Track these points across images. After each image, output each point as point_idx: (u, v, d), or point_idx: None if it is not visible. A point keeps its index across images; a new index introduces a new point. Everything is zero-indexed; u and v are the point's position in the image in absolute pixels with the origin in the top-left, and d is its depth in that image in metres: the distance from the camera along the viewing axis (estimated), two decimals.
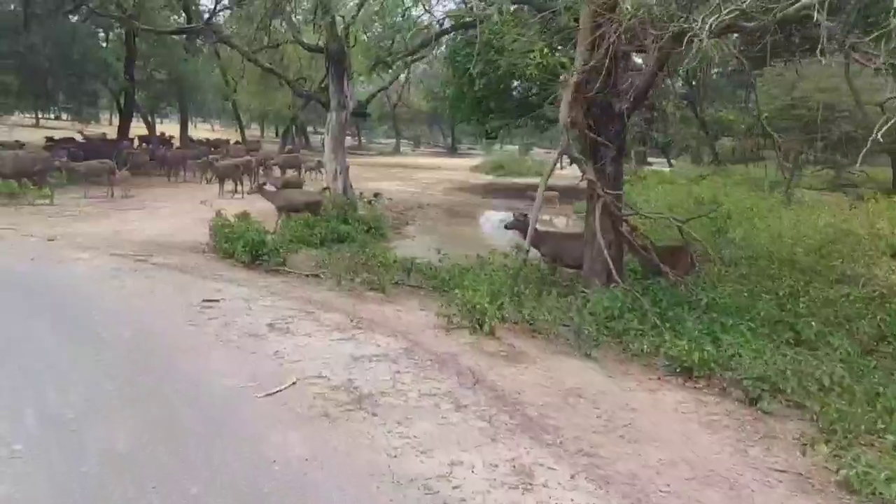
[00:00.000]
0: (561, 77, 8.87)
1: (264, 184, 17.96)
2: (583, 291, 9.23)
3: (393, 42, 35.02)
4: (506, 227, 11.71)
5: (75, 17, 22.53)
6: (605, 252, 9.00)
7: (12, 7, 21.20)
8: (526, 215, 11.37)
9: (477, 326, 7.35)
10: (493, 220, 23.36)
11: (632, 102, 9.76)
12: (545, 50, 8.41)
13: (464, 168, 40.00)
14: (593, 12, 8.84)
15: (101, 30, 25.82)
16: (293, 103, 36.79)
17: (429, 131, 66.75)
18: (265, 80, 38.40)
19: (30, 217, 14.55)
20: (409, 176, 33.15)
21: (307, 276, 10.06)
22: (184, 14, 31.27)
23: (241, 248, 10.25)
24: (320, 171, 24.38)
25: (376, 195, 22.05)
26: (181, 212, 17.09)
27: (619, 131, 9.95)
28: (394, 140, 62.35)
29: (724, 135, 41.08)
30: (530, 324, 7.88)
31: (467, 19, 16.38)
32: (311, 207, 14.89)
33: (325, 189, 16.75)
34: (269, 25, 17.22)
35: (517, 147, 65.86)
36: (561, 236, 11.55)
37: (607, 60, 8.82)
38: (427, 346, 6.80)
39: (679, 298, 8.99)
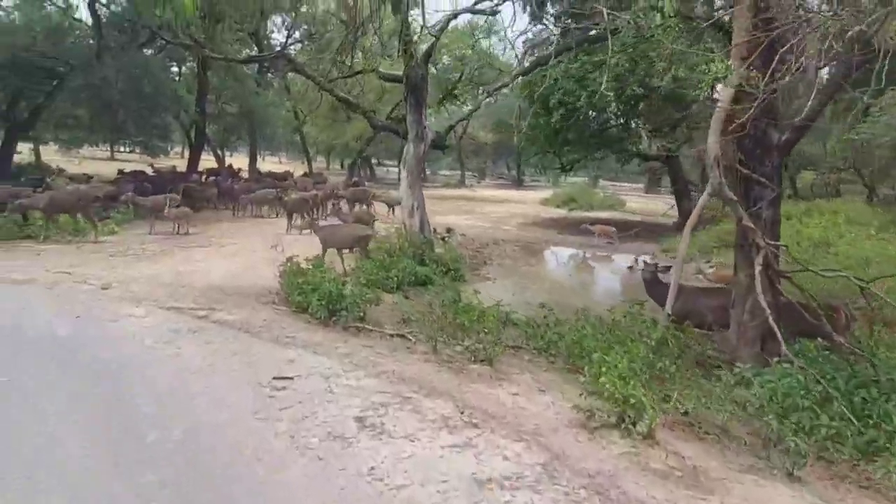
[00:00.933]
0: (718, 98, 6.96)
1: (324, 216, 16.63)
2: (734, 366, 7.18)
3: (461, 75, 33.79)
4: (644, 279, 9.66)
5: (149, 51, 21.82)
6: (769, 316, 6.98)
7: (90, 41, 20.54)
8: (657, 264, 9.44)
9: (630, 426, 5.43)
10: (575, 259, 21.40)
11: (795, 130, 7.76)
12: (726, 63, 6.49)
13: (533, 201, 38.09)
14: (753, 15, 6.98)
15: (174, 63, 25.23)
16: (361, 135, 35.80)
17: (492, 163, 65.35)
18: (333, 112, 37.79)
19: (90, 257, 13.34)
20: (478, 209, 31.50)
21: (392, 335, 8.33)
22: (255, 48, 30.78)
23: (316, 301, 8.58)
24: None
25: (449, 231, 20.39)
26: (247, 250, 15.71)
27: (776, 167, 7.93)
28: (458, 172, 61.10)
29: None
30: (684, 414, 5.93)
31: (592, 33, 14.70)
32: (359, 243, 13.39)
33: (372, 222, 15.17)
34: (350, 55, 15.83)
35: (583, 179, 63.68)
36: (697, 291, 9.49)
37: (767, 77, 6.87)
38: (571, 459, 4.91)
39: (858, 376, 6.85)
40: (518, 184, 54.73)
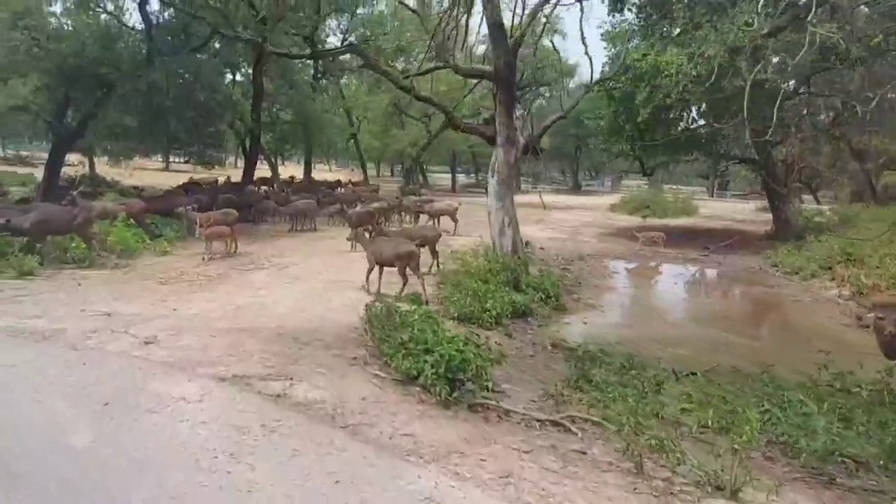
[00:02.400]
0: None
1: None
2: None
3: (523, 73, 31.11)
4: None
5: (202, 56, 19.75)
6: None
7: (140, 47, 18.59)
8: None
9: None
10: (689, 279, 18.52)
11: None
12: None
13: (600, 207, 35.21)
14: None
15: (227, 69, 23.25)
16: (416, 141, 33.43)
17: (543, 167, 62.42)
18: (388, 118, 35.60)
19: (137, 287, 11.28)
20: (546, 217, 28.76)
21: (545, 422, 5.76)
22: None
23: (431, 371, 6.04)
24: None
25: (527, 244, 17.72)
26: (311, 272, 13.57)
27: None
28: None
29: (890, 168, 34.38)
30: None
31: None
32: (402, 260, 11.30)
33: (419, 245, 12.66)
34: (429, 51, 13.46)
35: (637, 183, 60.27)
36: None
37: None
38: None
39: None
40: (576, 189, 51.69)
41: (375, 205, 19.59)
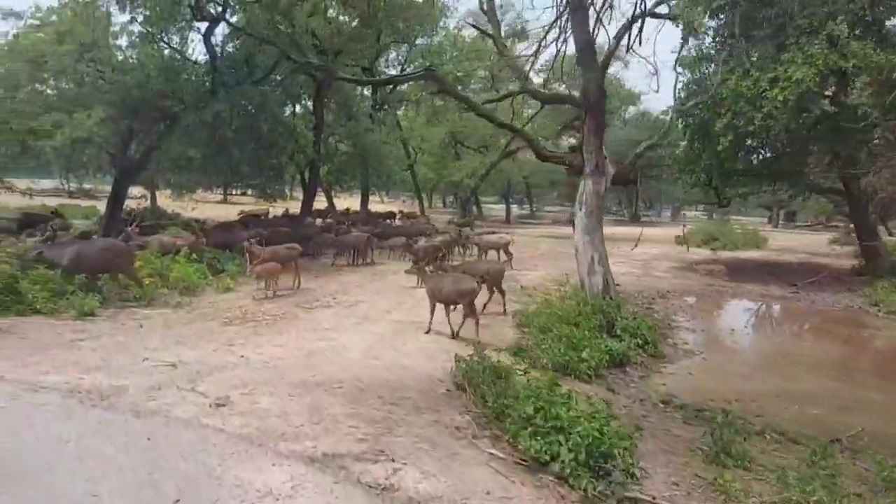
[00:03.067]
0: None
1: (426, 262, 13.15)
2: None
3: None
4: None
5: (266, 87, 19.22)
6: None
7: (204, 79, 18.18)
8: None
9: None
10: (781, 320, 16.92)
11: None
12: None
13: (664, 239, 33.49)
14: None
15: (287, 101, 22.79)
16: (474, 172, 32.47)
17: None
18: (443, 149, 34.86)
19: (202, 328, 10.55)
20: (614, 250, 27.05)
21: None
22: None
23: (568, 455, 4.79)
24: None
25: None
26: (379, 311, 12.67)
27: None
28: (565, 207, 57.18)
29: None
30: None
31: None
32: (462, 298, 10.44)
33: (482, 280, 11.44)
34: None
35: (695, 213, 57.99)
36: None
37: None
38: None
39: None
40: (635, 219, 49.90)
41: (440, 238, 18.56)
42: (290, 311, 12.34)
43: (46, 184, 42.28)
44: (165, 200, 26.20)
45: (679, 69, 22.20)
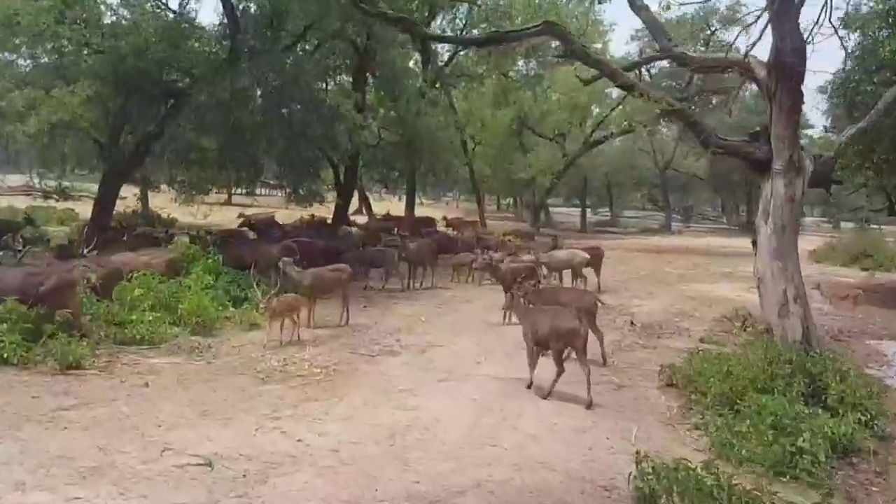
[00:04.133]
0: None
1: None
2: None
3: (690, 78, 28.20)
4: None
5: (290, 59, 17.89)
6: None
7: (216, 48, 16.97)
8: None
9: None
10: None
11: None
12: None
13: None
14: None
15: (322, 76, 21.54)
16: (548, 167, 30.78)
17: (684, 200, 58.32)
18: (507, 139, 33.34)
19: (231, 388, 9.38)
20: (735, 270, 25.21)
21: None
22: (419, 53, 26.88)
23: None
24: None
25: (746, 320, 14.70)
26: (464, 359, 11.25)
27: None
28: (652, 214, 55.38)
29: None
30: None
31: None
32: (564, 339, 9.27)
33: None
34: None
35: (822, 221, 55.24)
36: None
37: None
38: None
39: None
40: (747, 229, 47.45)
41: (529, 256, 16.96)
42: (346, 360, 10.98)
43: (14, 180, 41.91)
44: (162, 202, 24.95)
45: (842, 31, 20.34)
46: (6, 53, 17.22)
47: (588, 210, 52.66)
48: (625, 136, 34.59)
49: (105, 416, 7.66)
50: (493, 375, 10.34)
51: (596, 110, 34.12)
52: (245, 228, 22.40)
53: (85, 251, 13.31)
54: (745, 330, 13.94)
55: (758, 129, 10.59)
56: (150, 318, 11.44)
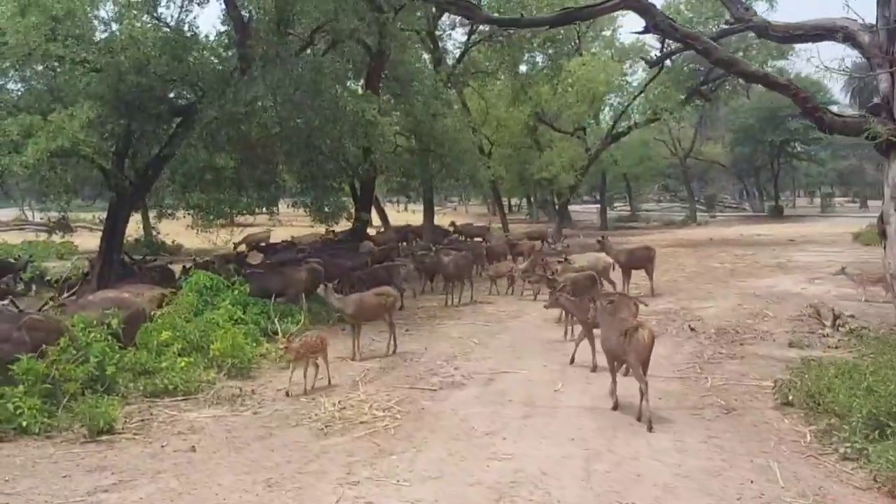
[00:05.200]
0: None
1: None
2: None
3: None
4: None
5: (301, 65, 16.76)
6: None
7: (219, 59, 15.93)
8: None
9: None
10: None
11: None
12: None
13: (837, 239, 30.21)
14: None
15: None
16: (571, 164, 29.63)
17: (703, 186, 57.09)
18: (523, 136, 32.23)
19: (290, 446, 8.47)
20: (786, 261, 24.08)
21: None
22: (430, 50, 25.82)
23: None
24: None
25: (838, 319, 13.60)
26: (539, 387, 10.27)
27: None
28: (669, 205, 54.39)
29: None
30: None
31: None
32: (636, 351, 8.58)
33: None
34: None
35: (848, 201, 54.29)
36: None
37: None
38: None
39: None
40: (776, 214, 46.44)
41: (585, 261, 15.88)
42: (407, 398, 9.91)
43: (4, 214, 40.84)
44: (166, 228, 23.73)
45: None
46: None
47: (595, 205, 51.49)
48: (640, 127, 33.51)
49: (154, 497, 6.55)
50: (579, 405, 9.38)
51: (615, 101, 33.18)
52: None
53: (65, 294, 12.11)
54: (837, 329, 12.89)
55: (876, 101, 9.45)
56: (182, 363, 10.32)
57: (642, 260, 17.65)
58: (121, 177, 14.87)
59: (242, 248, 24.23)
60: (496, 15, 21.98)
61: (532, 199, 48.40)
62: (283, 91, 14.53)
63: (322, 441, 8.17)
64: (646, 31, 11.16)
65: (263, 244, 24.09)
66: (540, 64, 27.22)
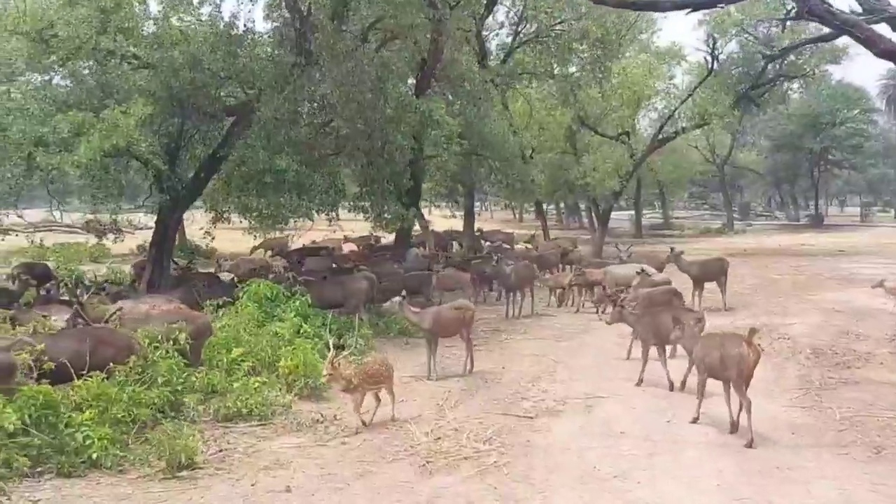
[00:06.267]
0: None
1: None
2: None
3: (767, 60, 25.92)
4: None
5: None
6: None
7: (272, 56, 15.08)
8: None
9: None
10: None
11: None
12: None
13: (883, 249, 29.05)
14: None
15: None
16: (616, 168, 28.48)
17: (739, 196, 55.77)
18: (567, 139, 31.18)
19: (392, 484, 7.60)
20: (849, 273, 22.95)
21: None
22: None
23: None
24: None
25: None
26: (651, 414, 9.32)
27: None
28: (697, 213, 53.23)
29: None
30: None
31: None
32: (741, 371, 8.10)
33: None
34: None
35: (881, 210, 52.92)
36: None
37: None
38: None
39: None
40: (817, 222, 45.28)
41: (658, 275, 14.86)
42: (505, 428, 8.99)
43: (31, 216, 39.92)
44: (232, 235, 22.55)
45: None
46: (35, 76, 15.17)
47: (627, 212, 50.30)
48: (688, 132, 32.42)
49: None
50: (706, 441, 8.36)
51: (659, 104, 32.12)
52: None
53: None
54: None
55: None
56: (255, 384, 9.34)
57: (716, 272, 16.62)
58: (174, 179, 13.95)
59: (260, 252, 23.33)
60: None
61: (562, 205, 47.20)
62: (347, 89, 13.58)
63: (429, 480, 7.22)
64: (798, 16, 10.11)
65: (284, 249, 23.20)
66: (588, 66, 26.14)
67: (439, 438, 8.42)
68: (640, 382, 10.48)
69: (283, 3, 14.93)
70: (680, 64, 32.71)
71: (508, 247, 25.60)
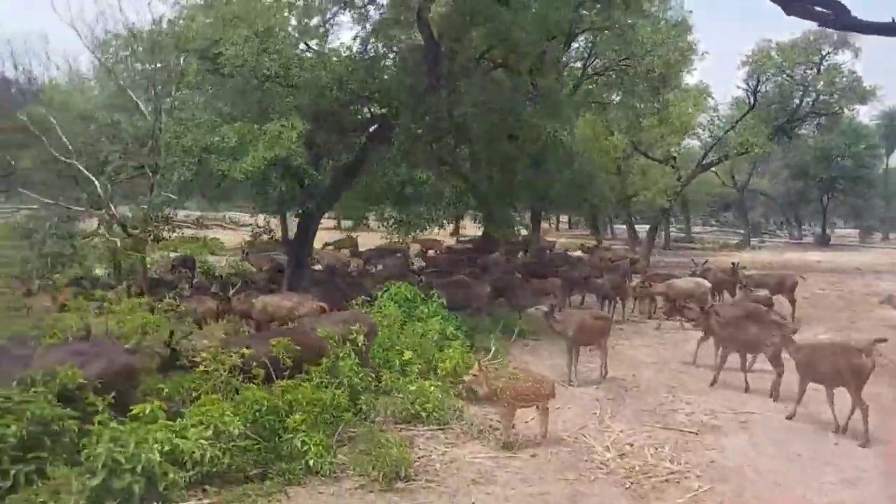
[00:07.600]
0: None
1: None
2: None
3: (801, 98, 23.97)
4: None
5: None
6: None
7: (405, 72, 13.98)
8: None
9: None
10: None
11: None
12: None
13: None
14: None
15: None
16: (665, 187, 26.91)
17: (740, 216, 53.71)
18: (623, 160, 29.71)
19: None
20: (883, 288, 21.15)
21: None
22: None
23: None
24: None
25: None
26: (805, 431, 7.99)
27: None
28: (711, 230, 51.35)
29: None
30: None
31: None
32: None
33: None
34: None
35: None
36: None
37: None
38: None
39: None
40: (824, 242, 43.33)
41: (760, 291, 13.42)
42: (677, 444, 7.76)
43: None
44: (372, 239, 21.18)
45: None
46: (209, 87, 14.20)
47: (658, 228, 48.59)
48: (732, 159, 30.89)
49: None
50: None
51: (704, 133, 30.52)
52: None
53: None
54: None
55: None
56: (430, 387, 8.12)
57: (783, 288, 15.11)
58: (313, 187, 12.85)
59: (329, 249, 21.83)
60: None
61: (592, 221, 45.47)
62: (481, 108, 12.36)
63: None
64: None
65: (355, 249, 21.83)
66: (650, 98, 24.73)
67: (623, 455, 7.19)
68: (713, 383, 9.79)
69: (417, 27, 13.62)
70: (705, 100, 31.00)
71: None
